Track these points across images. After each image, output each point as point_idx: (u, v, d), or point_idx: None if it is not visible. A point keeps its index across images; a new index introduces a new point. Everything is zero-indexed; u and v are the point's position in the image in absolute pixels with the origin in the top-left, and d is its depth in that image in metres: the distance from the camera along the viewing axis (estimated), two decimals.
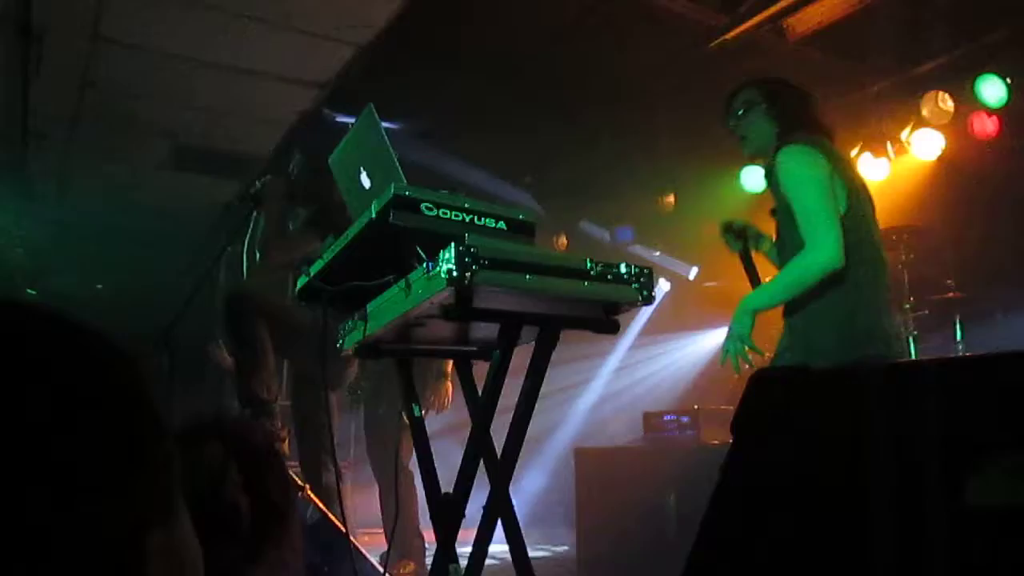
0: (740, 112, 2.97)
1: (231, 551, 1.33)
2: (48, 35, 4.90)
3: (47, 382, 0.58)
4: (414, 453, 2.64)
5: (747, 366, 2.63)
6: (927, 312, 5.21)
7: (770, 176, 2.83)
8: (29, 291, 7.35)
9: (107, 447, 0.58)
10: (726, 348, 2.71)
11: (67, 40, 4.96)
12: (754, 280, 3.04)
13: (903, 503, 0.92)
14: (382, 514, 4.66)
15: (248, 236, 3.97)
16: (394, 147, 2.16)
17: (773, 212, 2.91)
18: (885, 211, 5.75)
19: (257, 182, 3.90)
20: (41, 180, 6.93)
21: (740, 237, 3.13)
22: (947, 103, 5.40)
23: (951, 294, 5.19)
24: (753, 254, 3.14)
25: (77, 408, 0.58)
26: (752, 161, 3.17)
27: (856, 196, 2.76)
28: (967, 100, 5.28)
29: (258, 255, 3.88)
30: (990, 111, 5.20)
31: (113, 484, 0.58)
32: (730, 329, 2.69)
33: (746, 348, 2.65)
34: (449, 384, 4.47)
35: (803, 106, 2.96)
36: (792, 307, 2.76)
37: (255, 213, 3.90)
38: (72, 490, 0.55)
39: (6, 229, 7.31)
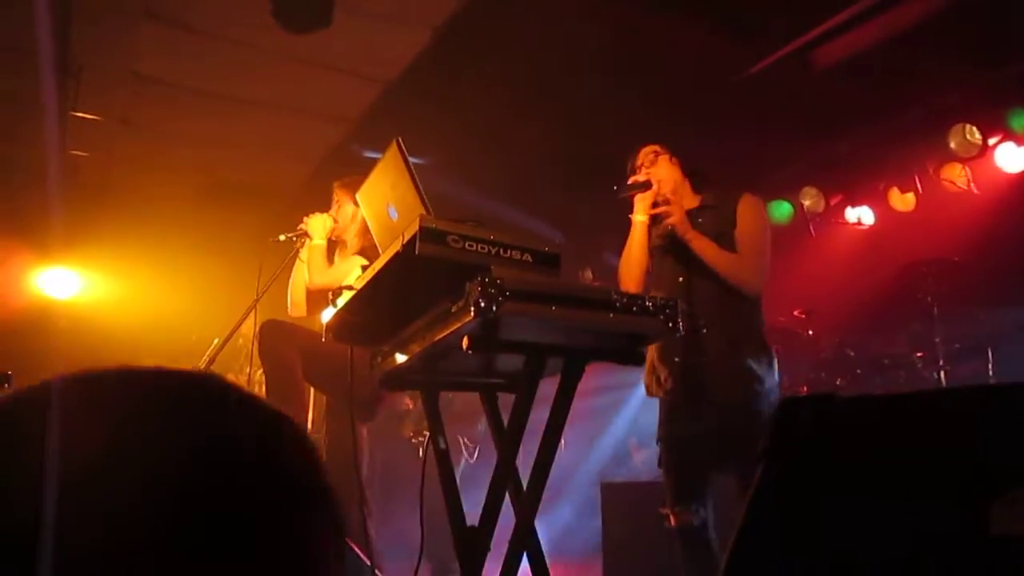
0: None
1: None
2: (85, 72, 5.03)
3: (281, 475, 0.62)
4: None
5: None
6: (958, 345, 5.15)
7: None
8: (61, 323, 7.45)
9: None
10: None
11: (104, 78, 5.09)
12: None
13: (929, 531, 0.92)
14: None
15: (294, 271, 4.04)
16: (420, 180, 2.18)
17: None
18: (914, 243, 5.75)
19: (304, 218, 3.98)
20: (75, 213, 7.05)
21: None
22: (974, 135, 5.37)
23: (981, 325, 5.13)
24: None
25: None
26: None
27: None
28: (995, 131, 5.25)
29: (308, 287, 3.95)
30: (1020, 141, 5.17)
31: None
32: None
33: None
34: None
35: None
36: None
37: (300, 249, 3.98)
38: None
39: (40, 259, 7.43)
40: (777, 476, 1.04)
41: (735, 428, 3.02)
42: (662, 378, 3.26)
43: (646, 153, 3.46)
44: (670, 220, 3.20)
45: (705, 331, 3.16)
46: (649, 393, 3.38)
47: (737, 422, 3.03)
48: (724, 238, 3.23)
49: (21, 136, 5.92)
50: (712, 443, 3.09)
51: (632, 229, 3.36)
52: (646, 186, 3.34)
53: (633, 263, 3.34)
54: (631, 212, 3.36)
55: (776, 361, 3.25)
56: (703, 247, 3.17)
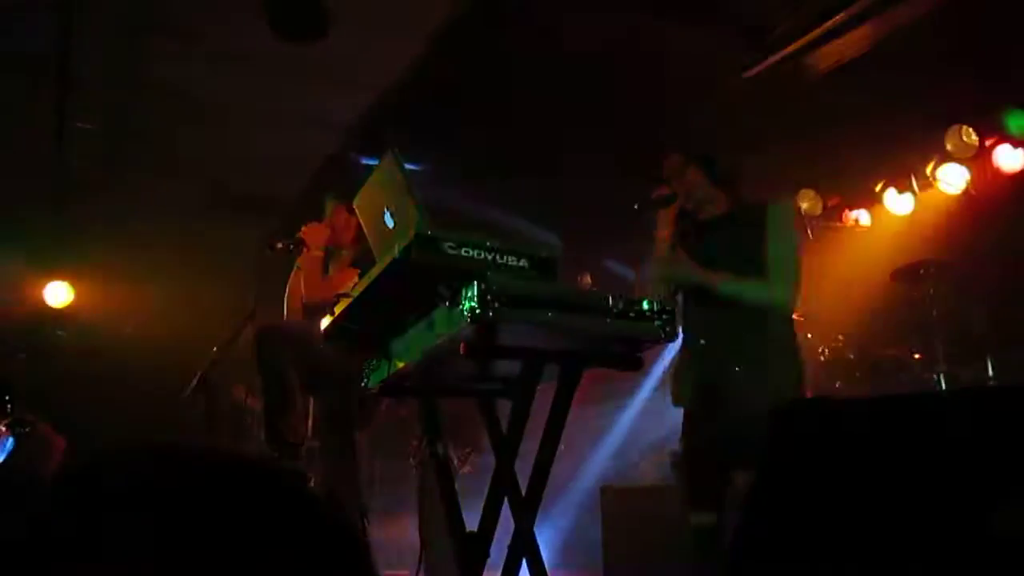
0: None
1: None
2: (87, 84, 5.04)
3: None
4: None
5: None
6: (956, 348, 5.14)
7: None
8: (59, 332, 7.46)
9: None
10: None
11: (104, 88, 5.10)
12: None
13: (932, 532, 0.91)
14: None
15: (290, 280, 4.04)
16: (416, 187, 2.18)
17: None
18: (911, 246, 5.75)
19: (302, 227, 3.97)
20: (74, 222, 7.06)
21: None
22: (971, 137, 5.38)
23: (980, 327, 5.12)
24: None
25: None
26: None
27: None
28: (992, 134, 5.26)
29: (303, 300, 3.94)
30: (1016, 143, 5.17)
31: None
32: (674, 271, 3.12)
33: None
34: None
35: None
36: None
37: (297, 257, 3.97)
38: None
39: (41, 270, 7.44)
40: (775, 478, 1.04)
41: (755, 438, 2.98)
42: (687, 387, 3.22)
43: (672, 163, 3.36)
44: (665, 276, 3.14)
45: (732, 343, 3.10)
46: (674, 401, 3.33)
47: (758, 432, 2.99)
48: (749, 248, 3.13)
49: (19, 145, 5.93)
50: (731, 451, 3.06)
51: (656, 246, 3.29)
52: (668, 201, 3.27)
53: (661, 280, 3.26)
54: (654, 229, 3.29)
55: (804, 370, 3.16)
56: (720, 285, 3.07)
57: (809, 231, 6.44)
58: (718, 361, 3.10)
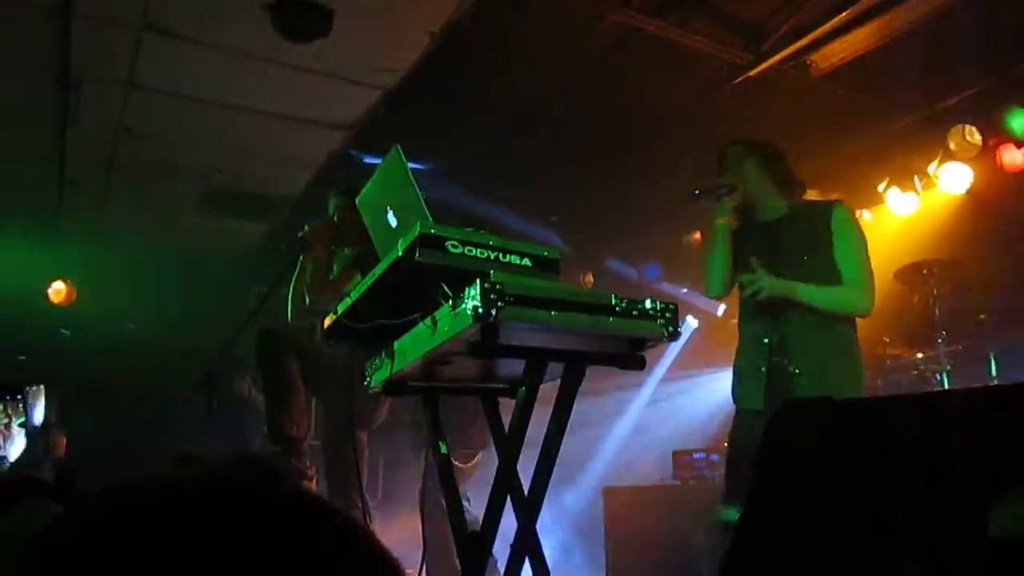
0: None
1: None
2: (85, 84, 5.04)
3: None
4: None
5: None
6: (960, 347, 5.14)
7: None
8: (63, 330, 7.47)
9: None
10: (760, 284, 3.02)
11: (103, 88, 5.10)
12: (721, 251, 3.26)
13: (929, 532, 0.92)
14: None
15: (295, 279, 4.03)
16: (420, 186, 2.18)
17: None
18: (914, 245, 5.75)
19: (305, 226, 3.96)
20: (76, 222, 7.08)
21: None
22: (974, 136, 5.38)
23: (983, 326, 5.12)
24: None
25: None
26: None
27: None
28: (995, 133, 5.25)
29: (307, 299, 3.93)
30: (1019, 143, 5.17)
31: None
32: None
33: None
34: None
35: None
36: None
37: (301, 256, 3.95)
38: None
39: (42, 269, 7.45)
40: (775, 478, 1.04)
41: None
42: (750, 386, 3.21)
43: (734, 153, 3.35)
44: (760, 296, 3.05)
45: (795, 347, 3.09)
46: (736, 402, 3.29)
47: None
48: (814, 250, 3.12)
49: (20, 149, 5.94)
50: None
51: (715, 233, 3.28)
52: (730, 189, 3.25)
53: (718, 268, 3.26)
54: (714, 217, 3.29)
55: (862, 371, 3.15)
56: (805, 295, 3.05)
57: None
58: (782, 361, 3.08)
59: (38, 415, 2.22)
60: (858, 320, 3.16)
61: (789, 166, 3.35)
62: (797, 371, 3.04)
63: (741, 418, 3.23)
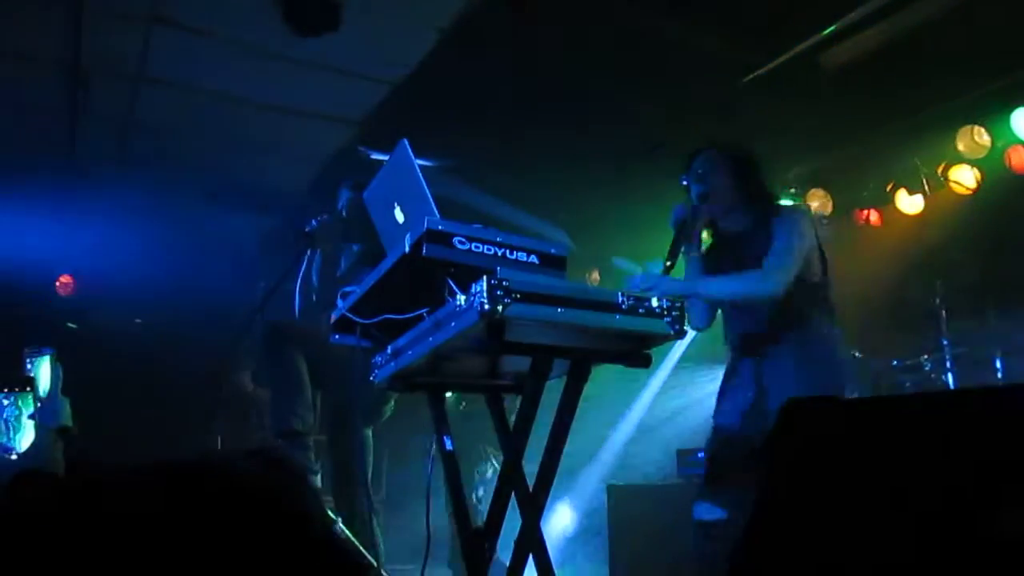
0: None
1: None
2: (96, 77, 5.06)
3: None
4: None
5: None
6: (967, 349, 5.12)
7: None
8: (70, 324, 7.48)
9: None
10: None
11: (114, 82, 5.11)
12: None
13: (937, 533, 0.91)
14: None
15: (302, 274, 4.02)
16: (427, 182, 2.18)
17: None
18: (922, 246, 5.72)
19: (313, 220, 3.95)
20: (85, 215, 7.10)
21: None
22: (983, 137, 5.36)
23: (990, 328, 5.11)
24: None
25: None
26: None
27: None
28: (1004, 134, 5.24)
29: (315, 294, 3.93)
30: None
31: None
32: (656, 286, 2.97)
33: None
34: None
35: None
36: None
37: (309, 251, 3.94)
38: None
39: (50, 263, 7.47)
40: (781, 477, 1.04)
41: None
42: (723, 403, 3.21)
43: (708, 159, 3.25)
44: (651, 295, 3.06)
45: (767, 354, 3.06)
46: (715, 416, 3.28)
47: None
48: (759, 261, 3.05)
49: (31, 142, 5.96)
50: (749, 445, 3.02)
51: (688, 265, 3.26)
52: (701, 199, 3.20)
53: (697, 301, 3.23)
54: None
55: (843, 378, 3.06)
56: (706, 289, 3.05)
57: (819, 231, 6.42)
58: (752, 373, 3.07)
59: (43, 382, 2.23)
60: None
61: (762, 177, 3.24)
62: (764, 384, 3.02)
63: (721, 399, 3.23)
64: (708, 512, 3.04)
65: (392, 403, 4.17)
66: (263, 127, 5.74)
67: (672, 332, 2.09)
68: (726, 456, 3.07)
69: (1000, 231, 5.40)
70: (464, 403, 6.28)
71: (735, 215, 3.19)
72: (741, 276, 3.01)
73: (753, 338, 3.07)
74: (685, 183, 3.26)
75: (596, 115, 5.72)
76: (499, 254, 2.09)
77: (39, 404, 2.23)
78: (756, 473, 2.98)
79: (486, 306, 1.83)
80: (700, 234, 3.28)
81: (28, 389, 2.37)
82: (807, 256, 3.02)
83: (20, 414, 2.42)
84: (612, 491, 5.69)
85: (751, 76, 5.14)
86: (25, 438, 2.37)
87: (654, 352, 2.20)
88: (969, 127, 5.41)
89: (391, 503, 6.51)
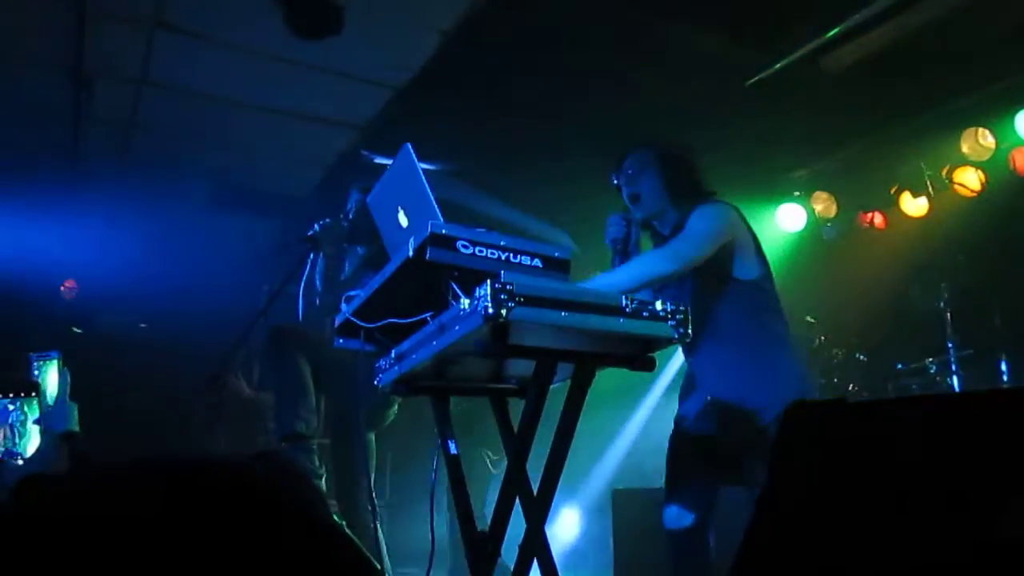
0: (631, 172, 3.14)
1: None
2: (99, 80, 5.07)
3: None
4: None
5: None
6: (972, 351, 5.11)
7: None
8: (75, 329, 7.50)
9: None
10: None
11: (116, 85, 5.12)
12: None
13: (941, 536, 0.91)
14: None
15: (305, 277, 4.00)
16: (431, 186, 2.18)
17: None
18: (927, 248, 5.72)
19: (316, 224, 3.94)
20: (88, 219, 7.11)
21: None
22: (987, 139, 5.35)
23: (995, 330, 5.10)
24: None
25: None
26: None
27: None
28: (1008, 136, 5.23)
29: (318, 298, 3.92)
30: None
31: None
32: None
33: None
34: None
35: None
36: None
37: (312, 255, 3.93)
38: None
39: (54, 267, 7.48)
40: (785, 480, 1.03)
41: (732, 440, 2.91)
42: (688, 372, 3.17)
43: (636, 159, 3.14)
44: None
45: (707, 346, 2.99)
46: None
47: (735, 436, 2.90)
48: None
49: (34, 144, 5.97)
50: (703, 445, 2.99)
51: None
52: (632, 199, 3.12)
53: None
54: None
55: (790, 373, 2.92)
56: (606, 283, 2.85)
57: (823, 233, 6.41)
58: (697, 374, 3.06)
59: (51, 387, 2.23)
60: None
61: (697, 175, 3.10)
62: (708, 398, 2.96)
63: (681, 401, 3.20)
64: (677, 519, 3.01)
65: (395, 407, 4.17)
66: (266, 131, 5.75)
67: (676, 335, 2.09)
68: (684, 454, 3.04)
69: (1005, 233, 5.39)
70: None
71: (668, 215, 3.07)
72: (639, 258, 2.92)
73: (695, 338, 2.89)
74: (616, 183, 3.18)
75: (598, 118, 5.72)
76: (503, 258, 2.09)
77: (45, 409, 2.23)
78: (714, 471, 2.97)
79: (490, 310, 1.83)
80: (638, 244, 3.18)
81: (33, 395, 2.38)
82: (726, 246, 2.86)
83: (26, 420, 2.43)
84: (617, 496, 5.68)
85: (754, 79, 5.13)
86: (31, 444, 2.37)
87: (658, 355, 2.19)
88: (973, 129, 5.40)
89: (394, 507, 6.51)
